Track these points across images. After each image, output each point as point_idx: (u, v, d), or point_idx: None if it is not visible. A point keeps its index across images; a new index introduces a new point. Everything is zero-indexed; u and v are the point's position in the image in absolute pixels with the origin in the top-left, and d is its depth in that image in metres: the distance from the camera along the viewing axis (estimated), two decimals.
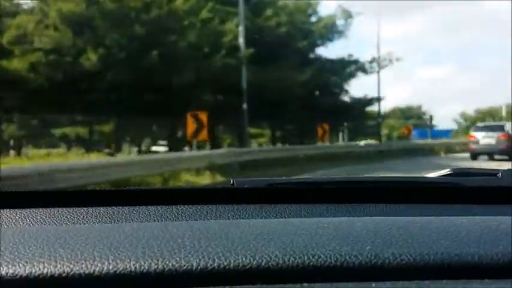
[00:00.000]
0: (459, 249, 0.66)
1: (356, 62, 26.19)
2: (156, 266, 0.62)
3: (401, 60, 37.02)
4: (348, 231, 0.73)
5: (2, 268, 0.62)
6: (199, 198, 0.99)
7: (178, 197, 0.99)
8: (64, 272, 0.61)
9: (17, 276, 0.61)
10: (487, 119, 34.64)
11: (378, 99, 27.37)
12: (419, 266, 0.63)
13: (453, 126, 42.47)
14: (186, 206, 0.95)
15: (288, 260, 0.63)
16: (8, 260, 0.63)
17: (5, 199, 0.97)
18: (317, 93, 25.13)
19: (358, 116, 28.10)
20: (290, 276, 0.62)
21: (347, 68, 26.05)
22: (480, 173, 1.23)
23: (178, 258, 0.63)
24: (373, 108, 28.13)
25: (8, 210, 0.92)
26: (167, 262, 0.62)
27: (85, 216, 0.91)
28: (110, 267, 0.62)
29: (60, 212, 0.92)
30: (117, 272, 0.61)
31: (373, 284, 0.60)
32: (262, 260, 0.63)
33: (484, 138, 19.93)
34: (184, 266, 0.62)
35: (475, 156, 20.25)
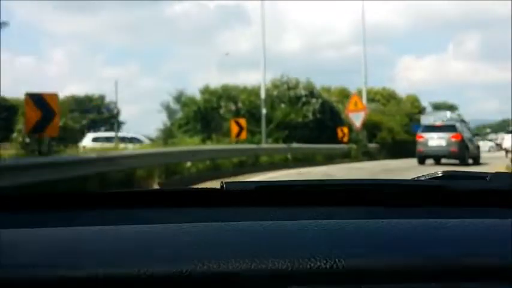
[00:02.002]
0: (449, 251, 0.66)
1: None
2: (145, 270, 0.62)
3: None
4: (339, 233, 0.73)
5: (1, 272, 0.62)
6: (188, 200, 0.96)
7: (166, 199, 0.97)
8: (57, 276, 0.61)
9: (15, 280, 0.60)
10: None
11: None
12: (409, 268, 0.64)
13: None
14: (175, 209, 0.93)
15: (278, 263, 0.63)
16: (6, 263, 0.63)
17: (4, 202, 0.95)
18: None
19: None
20: (280, 279, 0.62)
21: None
22: (469, 176, 1.19)
23: (167, 262, 0.63)
24: None
25: (5, 213, 0.90)
26: (157, 265, 0.62)
27: (75, 220, 0.87)
28: (100, 271, 0.62)
29: (54, 215, 0.90)
30: (106, 276, 0.61)
31: (362, 286, 0.62)
32: (252, 263, 0.63)
33: (433, 140, 17.75)
34: (174, 269, 0.62)
35: (422, 159, 18.20)
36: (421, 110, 36.26)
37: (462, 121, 22.16)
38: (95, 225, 0.82)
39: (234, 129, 17.33)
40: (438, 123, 19.85)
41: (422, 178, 1.16)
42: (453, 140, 17.71)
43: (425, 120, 23.55)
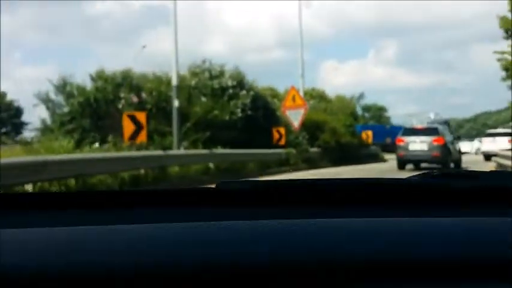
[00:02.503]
0: (444, 249, 0.67)
1: None
2: (141, 269, 0.62)
3: None
4: (335, 232, 0.73)
5: None
6: (183, 200, 0.96)
7: (162, 199, 0.97)
8: (47, 275, 0.61)
9: (14, 281, 0.61)
10: None
11: None
12: (405, 266, 0.64)
13: None
14: (169, 208, 0.92)
15: (274, 262, 0.64)
16: (6, 264, 0.63)
17: (3, 201, 0.94)
18: None
19: None
20: (275, 279, 0.62)
21: None
22: (463, 174, 1.22)
23: (162, 261, 0.63)
24: None
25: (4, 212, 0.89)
26: (152, 264, 0.63)
27: (68, 219, 0.86)
28: (92, 270, 0.62)
29: (44, 215, 0.89)
30: (101, 274, 0.61)
31: (358, 285, 0.62)
32: (248, 262, 0.63)
33: (414, 143, 16.69)
34: (168, 268, 0.62)
35: (403, 164, 17.02)
36: (353, 112, 32.83)
37: (445, 122, 20.82)
38: (90, 225, 0.81)
39: (128, 127, 11.78)
40: (419, 125, 18.74)
41: (418, 177, 1.16)
42: (435, 144, 16.61)
43: (408, 122, 23.07)
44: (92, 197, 0.97)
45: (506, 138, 23.50)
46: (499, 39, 21.28)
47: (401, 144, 17.12)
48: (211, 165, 14.45)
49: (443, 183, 1.02)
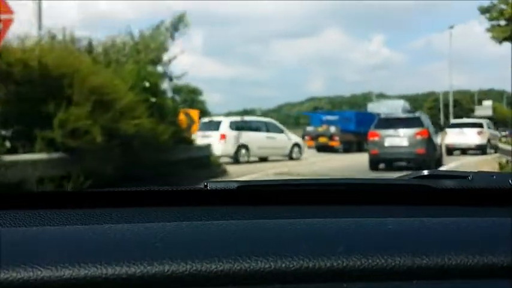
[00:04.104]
0: (430, 250, 0.67)
1: None
2: (127, 269, 0.61)
3: None
4: (320, 232, 0.73)
5: None
6: (171, 199, 0.96)
7: (149, 199, 0.96)
8: (33, 277, 0.60)
9: (13, 280, 0.60)
10: None
11: None
12: (389, 266, 0.64)
13: None
14: (157, 208, 0.92)
15: (261, 262, 0.64)
16: (5, 263, 0.62)
17: (3, 201, 0.93)
18: None
19: None
20: (261, 278, 0.63)
21: None
22: (451, 175, 1.23)
23: (150, 261, 0.63)
24: None
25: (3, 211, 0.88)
26: (139, 265, 0.62)
27: (56, 218, 0.86)
28: (80, 271, 0.61)
29: (30, 214, 0.88)
30: (86, 276, 0.61)
31: (344, 285, 0.62)
32: (234, 262, 0.63)
33: (391, 138, 12.71)
34: (156, 268, 0.62)
35: (376, 164, 12.92)
36: (159, 57, 18.92)
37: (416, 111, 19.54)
38: (79, 224, 0.81)
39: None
40: (398, 115, 15.35)
41: (406, 178, 1.16)
42: (419, 137, 12.51)
43: (375, 109, 20.32)
44: (81, 196, 0.97)
45: (476, 130, 20.19)
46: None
47: (375, 139, 12.84)
48: None
49: (428, 184, 1.02)
